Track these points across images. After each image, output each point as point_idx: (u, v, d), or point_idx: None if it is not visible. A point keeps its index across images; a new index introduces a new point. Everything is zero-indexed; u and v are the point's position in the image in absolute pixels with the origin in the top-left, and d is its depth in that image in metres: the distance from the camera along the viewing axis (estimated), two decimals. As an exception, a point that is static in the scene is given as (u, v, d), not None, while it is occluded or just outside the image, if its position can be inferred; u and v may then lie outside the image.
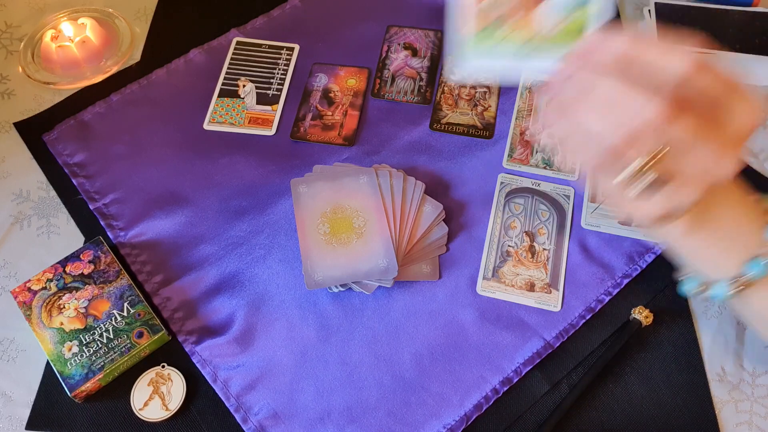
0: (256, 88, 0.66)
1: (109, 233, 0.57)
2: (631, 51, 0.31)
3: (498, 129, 0.62)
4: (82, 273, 0.53)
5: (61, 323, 0.50)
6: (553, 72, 0.35)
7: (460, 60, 0.40)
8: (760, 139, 0.62)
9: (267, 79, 0.66)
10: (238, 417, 0.48)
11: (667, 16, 0.67)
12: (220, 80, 0.66)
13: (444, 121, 0.63)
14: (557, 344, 0.51)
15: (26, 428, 0.49)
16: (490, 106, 0.64)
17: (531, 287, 0.53)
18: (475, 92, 0.65)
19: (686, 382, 0.49)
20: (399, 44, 0.68)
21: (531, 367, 0.50)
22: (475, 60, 0.40)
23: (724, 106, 0.32)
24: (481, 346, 0.51)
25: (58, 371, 0.49)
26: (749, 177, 0.59)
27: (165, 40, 0.70)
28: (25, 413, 0.49)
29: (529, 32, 0.39)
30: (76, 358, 0.49)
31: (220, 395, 0.49)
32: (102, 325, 0.50)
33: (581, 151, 0.35)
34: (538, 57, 0.39)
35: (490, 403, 0.49)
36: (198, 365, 0.51)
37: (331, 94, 0.65)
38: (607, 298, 0.53)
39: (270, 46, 0.69)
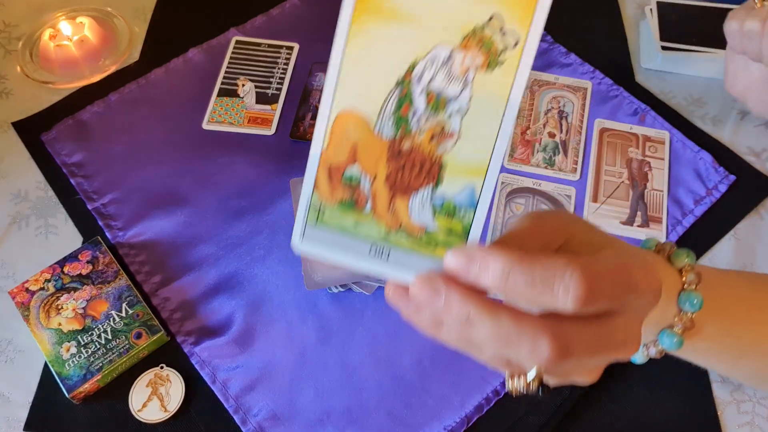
0: (256, 87, 0.65)
1: (107, 233, 0.57)
2: (511, 282, 0.25)
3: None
4: (81, 273, 0.53)
5: (59, 324, 0.50)
6: (418, 286, 0.27)
7: (297, 236, 0.30)
8: (762, 139, 0.62)
9: (266, 79, 0.66)
10: (237, 418, 0.48)
11: (669, 15, 0.67)
12: (219, 79, 0.66)
13: (444, 120, 0.63)
14: (558, 345, 0.50)
15: (24, 429, 0.48)
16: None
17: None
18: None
19: (688, 382, 0.49)
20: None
21: (532, 368, 0.49)
22: (314, 242, 0.29)
23: (621, 310, 0.27)
24: (481, 346, 0.50)
25: (56, 372, 0.48)
26: (750, 177, 0.59)
27: (164, 40, 0.70)
28: (24, 414, 0.49)
29: (392, 223, 0.29)
30: (74, 359, 0.49)
31: (219, 396, 0.49)
32: (100, 326, 0.50)
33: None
34: (397, 261, 0.29)
35: (491, 405, 0.48)
36: (197, 366, 0.50)
37: (331, 94, 0.65)
38: (609, 299, 0.52)
39: (269, 45, 0.68)
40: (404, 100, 0.28)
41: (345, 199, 0.29)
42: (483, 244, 0.27)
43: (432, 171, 0.28)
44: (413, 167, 0.28)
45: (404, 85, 0.28)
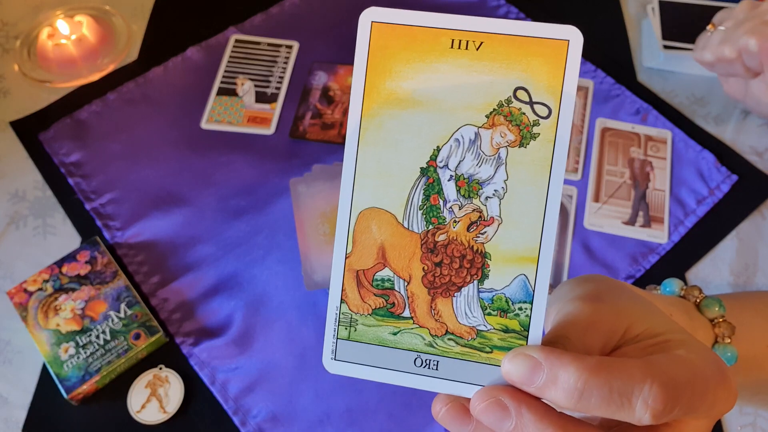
0: (255, 86, 0.65)
1: (105, 233, 0.56)
2: (585, 398, 0.22)
3: (499, 128, 0.61)
4: (79, 274, 0.52)
5: (58, 325, 0.50)
6: (480, 403, 0.23)
7: (328, 355, 0.27)
8: (765, 138, 0.61)
9: (266, 78, 0.66)
10: (236, 420, 0.48)
11: (671, 14, 0.67)
12: (218, 78, 0.65)
13: (445, 120, 0.62)
14: (559, 346, 0.50)
15: (23, 430, 0.48)
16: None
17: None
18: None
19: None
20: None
21: (533, 369, 0.49)
22: (348, 360, 0.27)
23: (695, 415, 0.25)
24: (482, 347, 0.50)
25: (54, 373, 0.48)
26: (753, 176, 0.59)
27: (162, 38, 0.69)
28: (22, 415, 0.49)
29: (437, 328, 0.25)
30: (72, 359, 0.48)
31: (218, 397, 0.49)
32: (99, 327, 0.50)
33: None
34: (448, 372, 0.25)
35: (492, 406, 0.48)
36: (196, 367, 0.50)
37: (331, 93, 0.64)
38: (610, 299, 0.52)
39: (269, 44, 0.68)
40: (432, 189, 0.25)
41: (379, 307, 0.26)
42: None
43: (475, 263, 0.25)
44: (452, 262, 0.25)
45: (429, 173, 0.25)
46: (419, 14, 0.25)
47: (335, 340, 0.26)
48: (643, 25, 0.69)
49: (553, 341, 0.24)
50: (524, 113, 0.24)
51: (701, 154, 0.59)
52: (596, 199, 0.57)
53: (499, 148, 0.25)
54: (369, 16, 0.25)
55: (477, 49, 0.25)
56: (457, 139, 0.25)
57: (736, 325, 0.34)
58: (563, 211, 0.56)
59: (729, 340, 0.34)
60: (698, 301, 0.35)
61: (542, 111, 0.24)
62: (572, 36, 0.24)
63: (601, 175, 0.59)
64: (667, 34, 0.65)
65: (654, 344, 0.25)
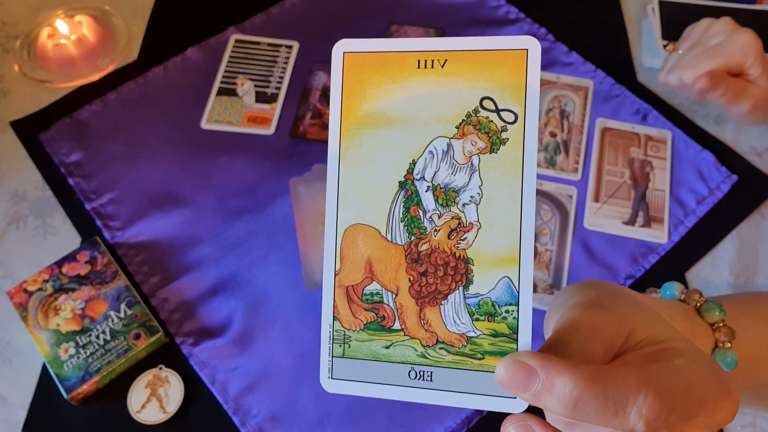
0: (255, 86, 0.65)
1: (105, 233, 0.56)
2: (580, 407, 0.22)
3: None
4: (79, 274, 0.52)
5: (58, 325, 0.50)
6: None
7: (325, 374, 0.27)
8: (765, 139, 0.61)
9: (266, 78, 0.66)
10: (236, 420, 0.48)
11: (671, 14, 0.67)
12: (218, 78, 0.65)
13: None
14: (559, 346, 0.50)
15: (23, 430, 0.48)
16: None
17: (533, 288, 0.53)
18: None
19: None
20: (399, 42, 0.67)
21: (533, 369, 0.49)
22: (345, 378, 0.26)
23: (693, 424, 0.25)
24: (482, 347, 0.50)
25: (54, 373, 0.48)
26: (752, 176, 0.59)
27: (162, 38, 0.69)
28: (22, 415, 0.49)
29: (428, 338, 0.26)
30: (72, 360, 0.48)
31: (218, 397, 0.49)
32: (99, 327, 0.50)
33: None
34: (442, 382, 0.25)
35: (492, 406, 0.48)
36: (196, 367, 0.50)
37: (331, 93, 0.64)
38: (610, 299, 0.52)
39: (269, 44, 0.68)
40: (411, 201, 0.26)
41: (370, 321, 0.26)
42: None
43: (458, 269, 0.25)
44: (437, 270, 0.26)
45: (408, 186, 0.26)
46: (386, 41, 0.27)
47: (330, 359, 0.27)
48: (643, 25, 0.69)
49: (553, 347, 0.24)
50: (492, 121, 0.25)
51: (701, 154, 0.59)
52: (596, 199, 0.57)
53: (471, 156, 0.26)
54: (341, 47, 0.27)
55: (442, 67, 0.26)
56: (431, 151, 0.26)
57: (737, 328, 0.34)
58: (563, 211, 0.56)
59: (729, 345, 0.34)
60: (698, 305, 0.35)
61: (509, 117, 0.25)
62: (530, 45, 0.25)
63: (601, 175, 0.59)
64: (667, 34, 0.65)
65: (655, 351, 0.25)
